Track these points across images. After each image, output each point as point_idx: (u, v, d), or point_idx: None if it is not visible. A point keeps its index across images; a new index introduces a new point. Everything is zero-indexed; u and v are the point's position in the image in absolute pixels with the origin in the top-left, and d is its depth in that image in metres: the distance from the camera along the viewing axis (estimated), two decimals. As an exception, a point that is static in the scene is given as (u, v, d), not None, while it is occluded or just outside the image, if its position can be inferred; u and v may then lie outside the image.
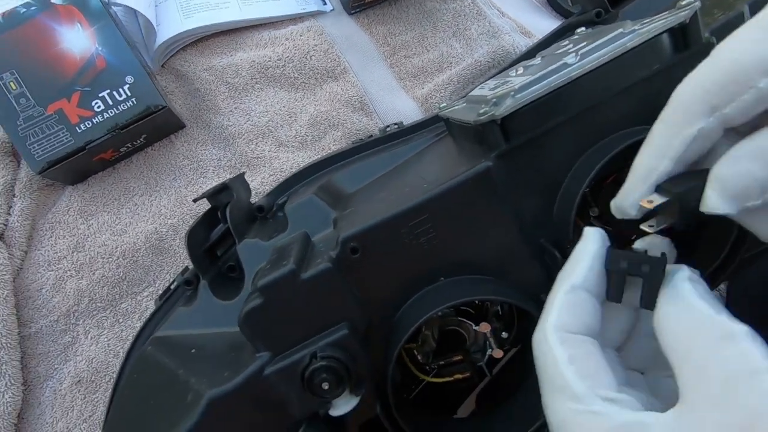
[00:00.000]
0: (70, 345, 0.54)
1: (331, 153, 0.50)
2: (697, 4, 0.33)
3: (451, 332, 0.41)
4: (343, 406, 0.35)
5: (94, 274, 0.55)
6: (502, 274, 0.37)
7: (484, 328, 0.39)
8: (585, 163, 0.35)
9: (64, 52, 0.53)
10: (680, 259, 0.30)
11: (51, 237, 0.56)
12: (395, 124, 0.54)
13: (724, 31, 0.26)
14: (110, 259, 0.56)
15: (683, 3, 0.33)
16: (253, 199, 0.50)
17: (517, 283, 0.37)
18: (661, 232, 0.29)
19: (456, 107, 0.43)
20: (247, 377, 0.33)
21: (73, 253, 0.56)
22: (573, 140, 0.35)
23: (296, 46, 0.64)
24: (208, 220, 0.45)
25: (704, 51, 0.29)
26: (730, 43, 0.25)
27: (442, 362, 0.40)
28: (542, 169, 0.36)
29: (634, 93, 0.34)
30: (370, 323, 0.36)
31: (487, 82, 0.46)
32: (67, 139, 0.53)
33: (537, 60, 0.42)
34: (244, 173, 0.50)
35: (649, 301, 0.26)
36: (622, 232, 0.35)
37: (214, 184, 0.57)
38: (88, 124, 0.53)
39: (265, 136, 0.61)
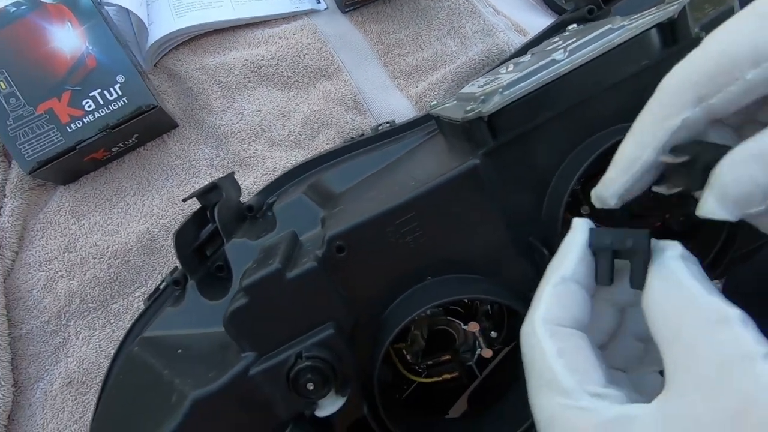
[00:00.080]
0: (61, 346, 0.54)
1: (322, 152, 0.49)
2: (686, -1, 0.32)
3: (441, 332, 0.40)
4: (329, 406, 0.34)
5: (85, 274, 0.55)
6: (491, 273, 0.37)
7: (473, 327, 0.39)
8: (574, 161, 0.34)
9: (55, 51, 0.53)
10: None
11: (42, 237, 0.56)
12: (387, 122, 0.53)
13: (714, 26, 0.26)
14: (102, 260, 0.55)
15: (672, -2, 0.33)
16: (246, 199, 0.50)
17: (507, 282, 0.37)
18: (657, 235, 0.28)
19: (446, 105, 0.43)
20: (232, 378, 0.33)
21: (64, 253, 0.56)
22: (562, 137, 0.35)
23: (289, 45, 0.64)
24: (197, 220, 0.45)
25: (693, 46, 0.28)
26: (720, 33, 0.24)
27: (431, 362, 0.40)
28: (531, 166, 0.35)
29: (623, 89, 0.34)
30: (357, 323, 0.36)
31: (477, 79, 0.46)
32: (57, 138, 0.53)
33: (527, 57, 0.41)
34: (233, 173, 0.50)
35: (637, 280, 0.25)
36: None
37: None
38: (79, 123, 0.53)
39: (258, 136, 0.61)
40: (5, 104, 0.52)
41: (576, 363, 0.25)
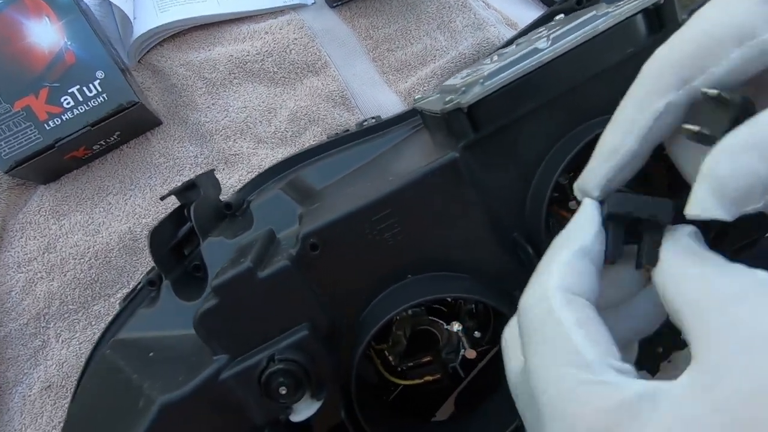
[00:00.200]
0: (41, 349, 0.52)
1: (305, 148, 0.48)
2: (672, -16, 0.31)
3: (424, 332, 0.39)
4: (304, 411, 0.33)
5: (65, 275, 0.54)
6: (474, 271, 0.35)
7: (455, 327, 0.37)
8: (558, 153, 0.33)
9: (32, 46, 0.52)
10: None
11: (21, 238, 0.55)
12: (373, 118, 0.52)
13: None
14: (82, 260, 0.54)
15: (659, -17, 0.31)
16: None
17: (490, 280, 0.35)
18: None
19: (429, 98, 0.41)
20: (202, 382, 0.32)
21: (44, 254, 0.54)
22: (545, 129, 0.33)
23: (276, 40, 0.63)
24: (175, 218, 0.44)
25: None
26: (701, 14, 0.23)
27: (411, 364, 0.39)
28: (514, 159, 0.34)
29: (609, 78, 0.32)
30: (334, 324, 0.35)
31: (462, 71, 0.44)
32: (35, 136, 0.51)
33: (512, 47, 0.40)
34: (213, 170, 0.48)
35: (650, 256, 0.24)
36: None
37: (190, 182, 0.56)
38: (57, 121, 0.52)
39: (243, 133, 0.60)
40: (-19, 101, 0.51)
41: (596, 335, 0.22)
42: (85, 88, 0.52)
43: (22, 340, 0.52)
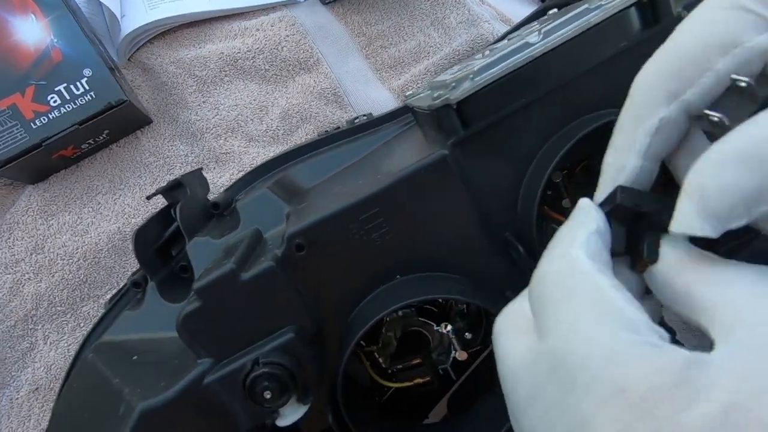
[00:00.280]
0: (28, 351, 0.52)
1: (295, 146, 0.47)
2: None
3: (415, 333, 0.38)
4: (290, 415, 0.32)
5: (53, 276, 0.53)
6: (465, 271, 0.35)
7: (445, 328, 0.37)
8: (549, 151, 0.32)
9: (18, 43, 0.51)
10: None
11: (9, 238, 0.54)
12: (364, 115, 0.51)
13: (697, 4, 0.24)
14: (71, 261, 0.53)
15: (653, -26, 0.31)
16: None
17: (482, 280, 0.34)
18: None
19: (420, 95, 0.40)
20: (185, 387, 0.31)
21: (31, 255, 0.54)
22: (537, 125, 0.33)
23: (267, 37, 0.62)
24: (161, 218, 0.43)
25: (675, 26, 0.26)
26: (686, 23, 0.22)
27: (401, 366, 0.38)
28: (505, 156, 0.33)
29: (602, 73, 0.32)
30: (322, 326, 0.34)
31: (453, 67, 0.44)
32: (21, 135, 0.50)
33: (504, 42, 0.39)
34: (201, 168, 0.47)
35: (651, 251, 0.23)
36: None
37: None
38: (44, 119, 0.51)
39: (234, 131, 0.59)
40: (-34, 100, 0.50)
41: (633, 301, 0.21)
42: (72, 86, 0.51)
43: (10, 342, 0.52)
